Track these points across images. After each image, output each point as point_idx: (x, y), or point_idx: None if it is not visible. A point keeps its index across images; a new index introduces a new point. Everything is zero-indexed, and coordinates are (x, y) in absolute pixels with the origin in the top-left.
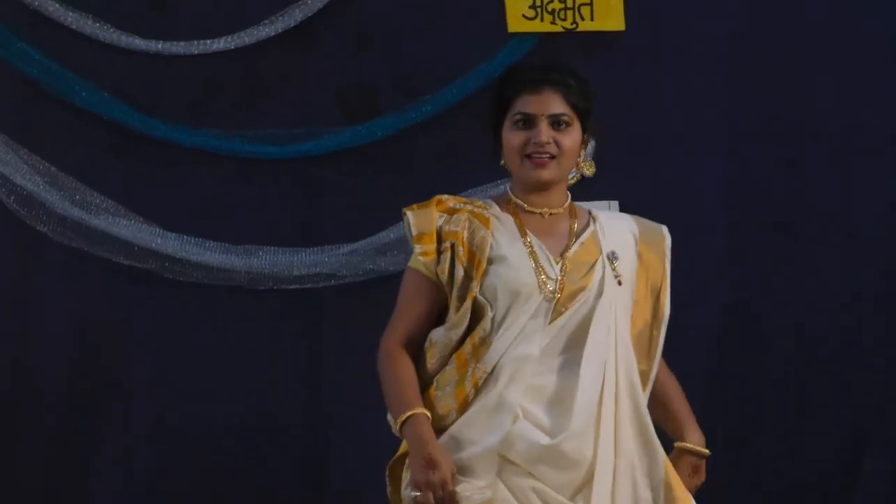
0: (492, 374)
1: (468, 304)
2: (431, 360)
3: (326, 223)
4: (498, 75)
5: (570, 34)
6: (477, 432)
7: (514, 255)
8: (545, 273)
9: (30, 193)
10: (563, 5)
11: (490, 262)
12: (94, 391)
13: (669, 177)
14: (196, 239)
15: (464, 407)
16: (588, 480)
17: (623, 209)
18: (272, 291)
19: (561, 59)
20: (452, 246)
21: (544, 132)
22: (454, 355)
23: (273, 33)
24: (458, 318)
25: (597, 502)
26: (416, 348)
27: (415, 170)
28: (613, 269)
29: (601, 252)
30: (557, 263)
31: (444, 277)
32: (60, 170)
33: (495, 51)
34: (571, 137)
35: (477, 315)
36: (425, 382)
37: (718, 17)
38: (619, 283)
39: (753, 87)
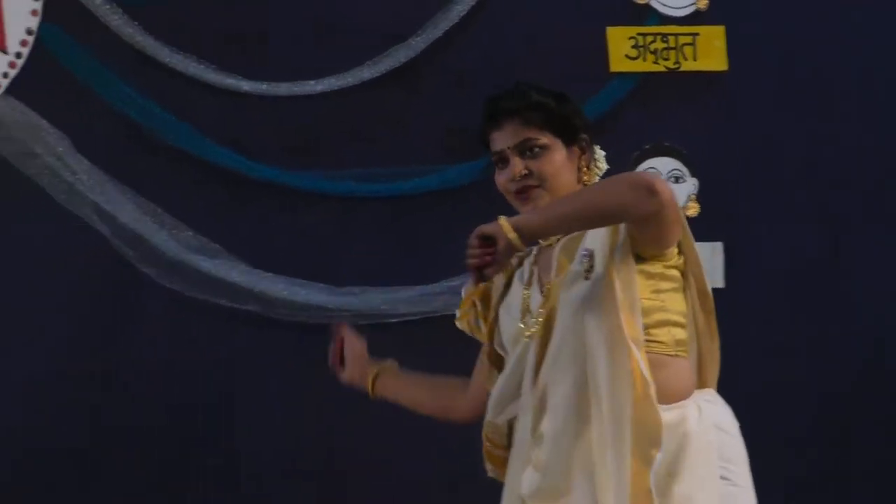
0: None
1: (483, 359)
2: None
3: (431, 261)
4: (599, 115)
5: (672, 74)
6: (508, 481)
7: (514, 299)
8: (531, 310)
9: (137, 234)
10: (665, 45)
11: (497, 313)
12: (198, 433)
13: (776, 215)
14: (301, 280)
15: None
16: None
17: (727, 251)
18: (375, 325)
19: (523, 81)
20: (474, 303)
21: (516, 165)
22: None
23: (377, 74)
24: (486, 374)
25: None
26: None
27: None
28: (586, 268)
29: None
30: (542, 294)
31: (480, 336)
32: (166, 211)
33: (597, 90)
34: (549, 159)
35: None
36: None
37: (821, 58)
38: (586, 277)
39: (859, 124)
